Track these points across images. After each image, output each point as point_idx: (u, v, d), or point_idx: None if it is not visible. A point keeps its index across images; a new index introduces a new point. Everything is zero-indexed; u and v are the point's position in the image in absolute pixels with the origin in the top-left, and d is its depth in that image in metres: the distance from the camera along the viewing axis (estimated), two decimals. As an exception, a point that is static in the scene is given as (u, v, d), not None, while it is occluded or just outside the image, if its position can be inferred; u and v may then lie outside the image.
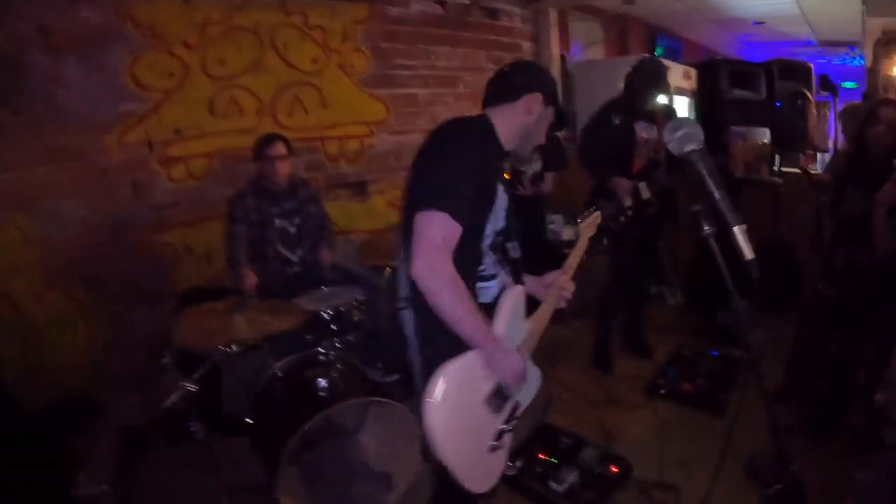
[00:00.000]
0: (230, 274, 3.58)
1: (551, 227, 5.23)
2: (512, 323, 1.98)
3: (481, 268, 1.95)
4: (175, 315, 3.16)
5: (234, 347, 2.85)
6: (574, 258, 2.28)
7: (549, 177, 4.50)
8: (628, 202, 3.85)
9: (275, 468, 2.66)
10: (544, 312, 2.16)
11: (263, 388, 3.04)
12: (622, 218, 3.87)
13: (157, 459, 3.32)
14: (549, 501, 2.91)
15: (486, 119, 1.98)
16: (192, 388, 2.73)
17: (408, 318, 1.95)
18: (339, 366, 3.04)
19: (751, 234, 1.53)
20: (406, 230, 1.84)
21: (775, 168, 4.94)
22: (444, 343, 1.80)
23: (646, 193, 3.82)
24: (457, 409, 1.79)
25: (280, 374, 3.04)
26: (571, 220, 5.24)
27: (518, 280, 2.10)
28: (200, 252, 4.20)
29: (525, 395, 2.08)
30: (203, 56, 4.13)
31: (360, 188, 4.90)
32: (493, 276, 2.01)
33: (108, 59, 3.82)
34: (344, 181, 4.83)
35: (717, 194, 1.53)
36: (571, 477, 3.00)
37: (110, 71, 3.83)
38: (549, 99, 2.03)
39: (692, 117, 5.84)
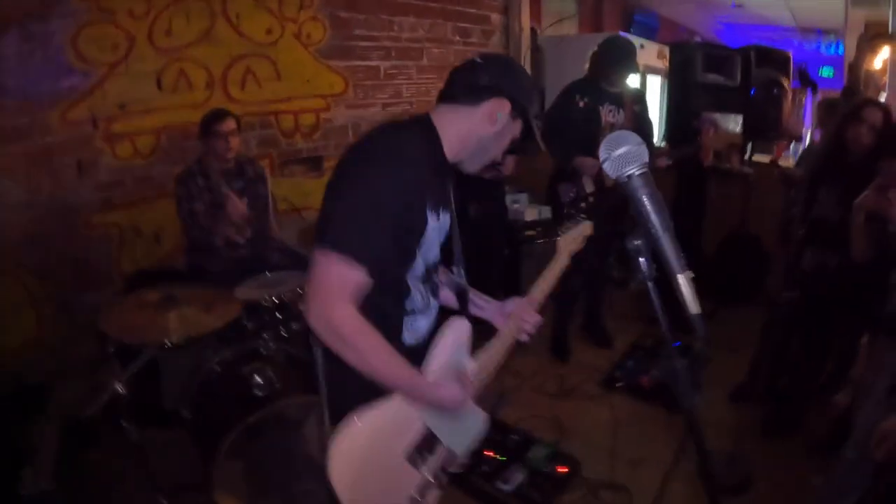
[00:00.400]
0: (208, 240, 3.41)
1: (515, 206, 5.07)
2: (451, 362, 1.69)
3: (407, 303, 1.64)
4: (106, 308, 3.01)
5: (169, 342, 2.68)
6: (545, 282, 1.93)
7: (510, 159, 4.32)
8: (590, 188, 3.71)
9: (212, 465, 2.54)
10: (497, 349, 1.83)
11: (200, 383, 2.87)
12: (583, 203, 3.73)
13: (102, 454, 3.18)
14: (496, 501, 2.82)
15: (427, 125, 1.62)
16: (120, 389, 2.61)
17: (317, 353, 1.63)
18: (278, 360, 2.90)
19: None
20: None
21: (746, 157, 4.84)
22: (353, 387, 1.53)
23: (610, 181, 3.68)
24: (368, 465, 1.56)
25: (217, 369, 2.88)
26: (536, 200, 5.11)
27: (464, 309, 1.83)
28: (148, 233, 3.98)
29: (461, 444, 1.79)
30: (150, 27, 3.86)
31: (315, 164, 4.69)
32: (423, 311, 1.71)
33: (51, 33, 3.56)
34: (299, 157, 4.62)
35: (660, 232, 1.22)
36: (519, 476, 2.91)
37: (53, 45, 3.57)
38: (519, 111, 1.65)
39: (664, 99, 5.70)
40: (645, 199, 1.22)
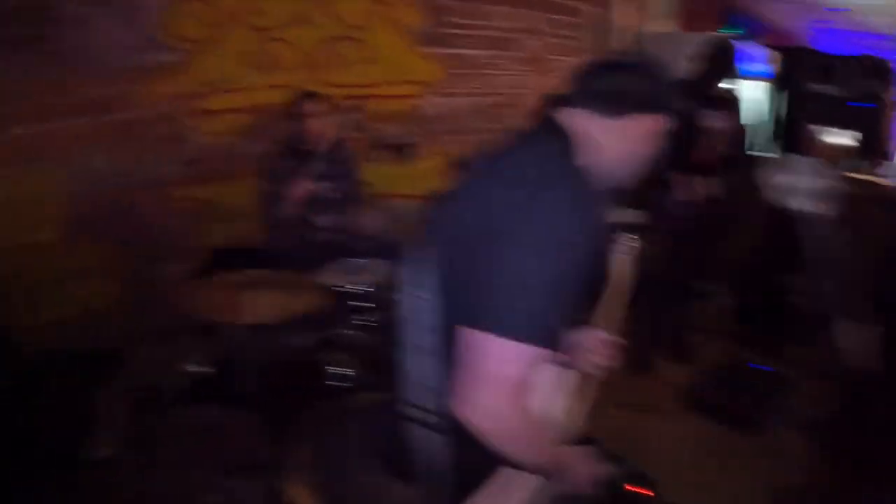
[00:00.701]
0: (276, 221, 3.42)
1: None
2: (547, 413, 1.47)
3: None
4: (190, 284, 3.04)
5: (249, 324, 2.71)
6: (607, 308, 1.67)
7: None
8: (688, 198, 3.56)
9: (281, 449, 2.53)
10: (580, 388, 1.58)
11: (276, 366, 2.88)
12: (680, 215, 3.58)
13: (170, 427, 3.12)
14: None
15: (564, 137, 1.31)
16: (194, 366, 2.61)
17: (430, 439, 1.33)
18: (358, 350, 2.87)
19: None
20: (447, 318, 1.27)
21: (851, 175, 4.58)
22: (483, 468, 1.34)
23: (709, 190, 3.52)
24: None
25: (294, 354, 2.88)
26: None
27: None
28: (230, 210, 4.01)
29: None
30: (242, 5, 3.89)
31: (403, 151, 4.55)
32: None
33: (143, 7, 3.65)
34: (387, 143, 4.50)
35: (831, 275, 0.99)
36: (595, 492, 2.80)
37: (144, 20, 3.66)
38: (669, 129, 1.38)
39: (768, 106, 5.44)
40: (821, 240, 1.04)
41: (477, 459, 1.28)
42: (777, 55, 5.28)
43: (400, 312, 1.39)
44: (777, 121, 4.90)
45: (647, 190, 3.76)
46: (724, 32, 5.69)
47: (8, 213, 3.62)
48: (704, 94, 3.61)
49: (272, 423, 2.81)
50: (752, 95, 5.34)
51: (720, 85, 3.69)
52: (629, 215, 4.80)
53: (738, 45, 3.87)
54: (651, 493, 2.79)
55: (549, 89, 4.28)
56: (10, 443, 2.85)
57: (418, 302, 1.33)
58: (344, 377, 2.84)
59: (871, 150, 4.70)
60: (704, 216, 3.57)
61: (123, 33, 3.62)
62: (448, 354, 1.26)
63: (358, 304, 3.06)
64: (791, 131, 4.53)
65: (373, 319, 3.07)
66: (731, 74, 3.71)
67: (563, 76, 1.49)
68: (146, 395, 3.32)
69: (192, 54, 3.78)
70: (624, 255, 1.75)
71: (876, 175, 4.60)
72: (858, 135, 4.53)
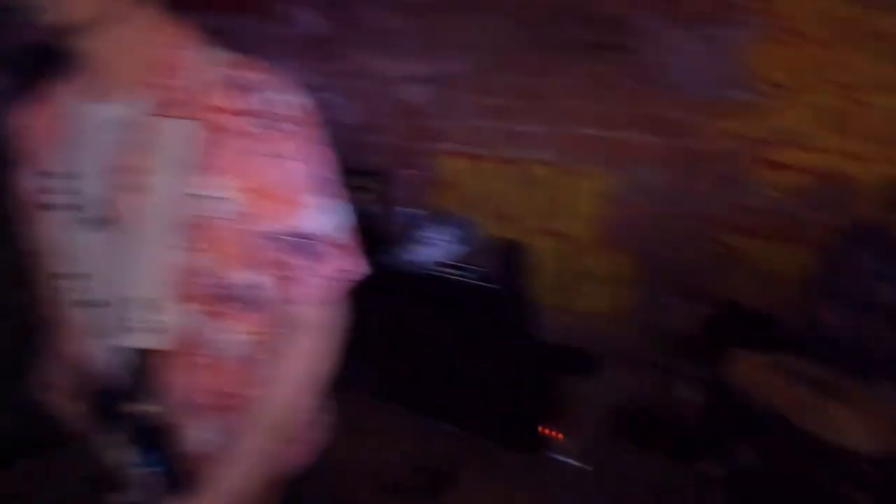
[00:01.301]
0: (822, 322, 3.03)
1: None
2: None
3: None
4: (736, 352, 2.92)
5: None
6: None
7: None
8: None
9: None
10: None
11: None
12: None
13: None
14: None
15: None
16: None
17: None
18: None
19: None
20: None
21: None
22: None
23: None
24: None
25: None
26: None
27: None
28: (768, 271, 3.70)
29: None
30: (830, 57, 3.51)
31: None
32: None
33: (729, 40, 3.56)
34: None
35: None
36: None
37: (727, 52, 3.57)
38: None
39: None
40: None
41: None
42: None
43: None
44: None
45: None
46: None
47: (546, 200, 4.06)
48: None
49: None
50: None
51: None
52: None
53: None
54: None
55: None
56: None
57: None
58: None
59: None
60: None
61: (706, 62, 3.59)
62: None
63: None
64: None
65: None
66: None
67: None
68: (615, 415, 3.57)
69: (770, 99, 3.57)
70: None
71: None
72: None
